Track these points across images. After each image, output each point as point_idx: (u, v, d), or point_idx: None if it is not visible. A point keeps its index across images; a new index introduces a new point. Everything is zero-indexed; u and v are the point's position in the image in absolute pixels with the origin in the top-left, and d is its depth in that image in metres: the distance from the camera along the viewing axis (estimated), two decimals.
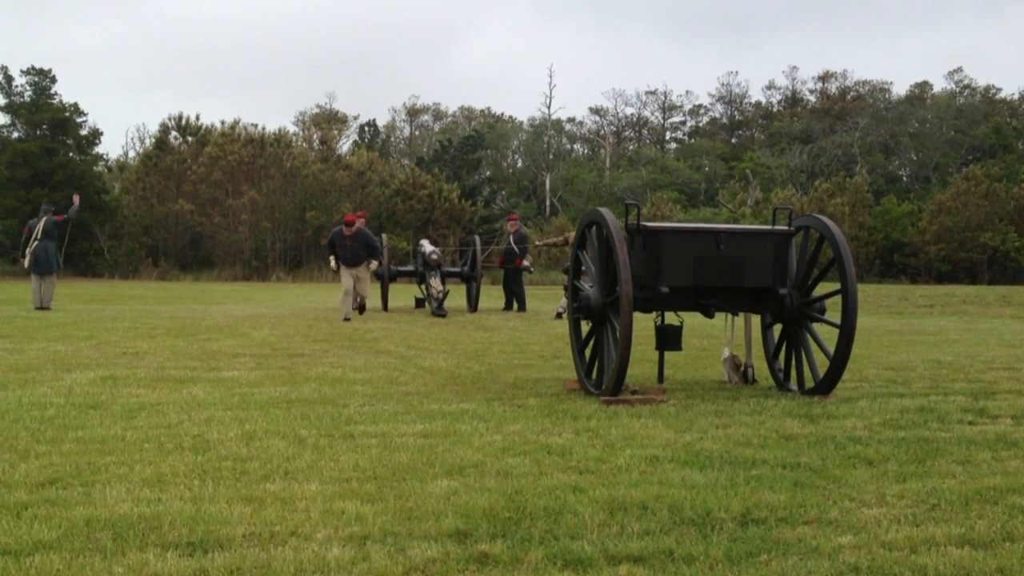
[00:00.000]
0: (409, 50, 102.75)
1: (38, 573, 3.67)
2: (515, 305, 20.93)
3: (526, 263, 21.28)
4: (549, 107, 60.63)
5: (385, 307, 20.30)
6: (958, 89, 65.64)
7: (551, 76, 76.42)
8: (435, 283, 19.23)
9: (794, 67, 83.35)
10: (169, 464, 5.42)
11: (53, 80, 44.99)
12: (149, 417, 6.90)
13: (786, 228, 8.53)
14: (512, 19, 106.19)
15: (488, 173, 59.76)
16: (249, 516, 4.40)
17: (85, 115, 45.94)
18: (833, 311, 8.34)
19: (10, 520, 4.31)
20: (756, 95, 77.09)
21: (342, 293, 17.22)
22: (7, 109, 44.43)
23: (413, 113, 75.78)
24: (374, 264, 17.78)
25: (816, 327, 8.57)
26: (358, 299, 17.58)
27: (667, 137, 76.02)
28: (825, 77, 71.10)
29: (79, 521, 4.28)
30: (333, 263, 17.38)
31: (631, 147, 72.22)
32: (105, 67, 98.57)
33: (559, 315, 17.87)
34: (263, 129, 51.31)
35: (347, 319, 16.65)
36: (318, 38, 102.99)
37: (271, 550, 3.96)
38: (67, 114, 44.81)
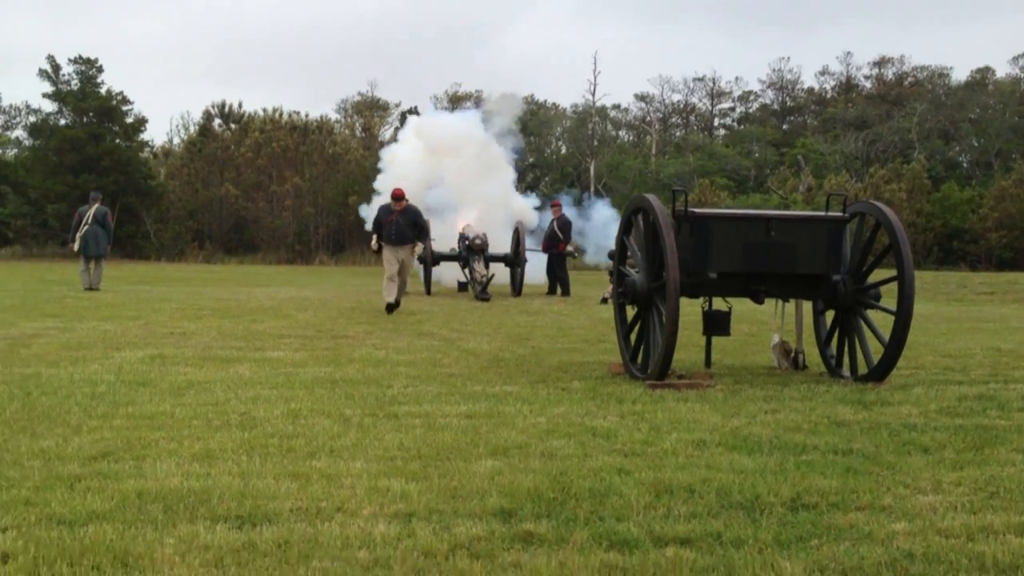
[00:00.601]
0: (452, 37, 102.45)
1: (92, 543, 3.70)
2: (559, 290, 20.92)
3: (570, 248, 21.28)
4: (594, 94, 60.22)
5: (428, 290, 20.34)
6: (1023, 75, 64.21)
7: (595, 62, 75.99)
8: (479, 267, 19.24)
9: (848, 53, 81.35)
10: (217, 440, 5.46)
11: (100, 69, 45.54)
12: (197, 395, 6.96)
13: (840, 214, 8.40)
14: (557, 6, 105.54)
15: (531, 159, 59.56)
16: (296, 492, 4.42)
17: (131, 103, 46.50)
18: (888, 299, 8.20)
19: (64, 491, 4.37)
20: (809, 81, 75.60)
21: (385, 279, 15.33)
22: (55, 97, 45.03)
23: (455, 100, 75.74)
24: (419, 248, 16.26)
25: (871, 314, 8.43)
26: (398, 289, 15.37)
27: (715, 124, 75.23)
28: (881, 63, 69.75)
29: (131, 493, 4.33)
30: (375, 243, 15.63)
31: (678, 134, 71.66)
32: (150, 56, 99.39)
33: (604, 300, 17.80)
34: (306, 116, 51.58)
35: (390, 308, 14.92)
36: (360, 26, 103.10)
37: (318, 525, 3.97)
38: (113, 102, 45.35)
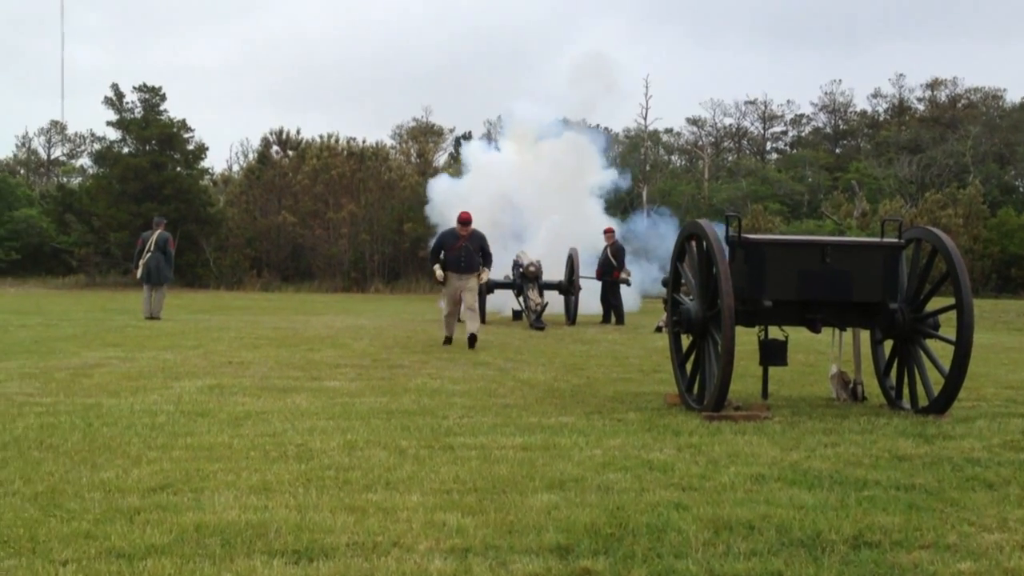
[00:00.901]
0: (505, 63, 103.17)
1: None
2: (613, 318, 20.84)
3: (623, 275, 21.17)
4: (645, 118, 60.14)
5: (482, 319, 20.34)
6: None
7: (647, 87, 75.79)
8: (533, 295, 19.21)
9: (901, 75, 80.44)
10: (274, 472, 5.50)
11: (163, 97, 46.35)
12: (255, 425, 7.03)
13: (896, 240, 8.29)
14: (609, 31, 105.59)
15: None
16: (352, 525, 4.43)
17: (192, 130, 47.24)
18: (947, 327, 8.05)
19: (124, 524, 4.42)
20: (861, 103, 74.76)
21: (444, 312, 14.49)
22: (119, 125, 45.90)
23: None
24: (485, 275, 14.51)
25: (930, 343, 8.28)
26: (469, 322, 14.14)
27: (768, 148, 74.81)
28: (934, 85, 68.98)
29: (189, 526, 4.38)
30: (440, 273, 14.19)
31: (730, 158, 71.28)
32: (211, 84, 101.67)
33: (659, 329, 17.69)
34: (362, 142, 52.14)
35: (448, 341, 14.27)
36: (414, 52, 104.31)
37: (374, 560, 3.98)
38: (175, 130, 46.11)
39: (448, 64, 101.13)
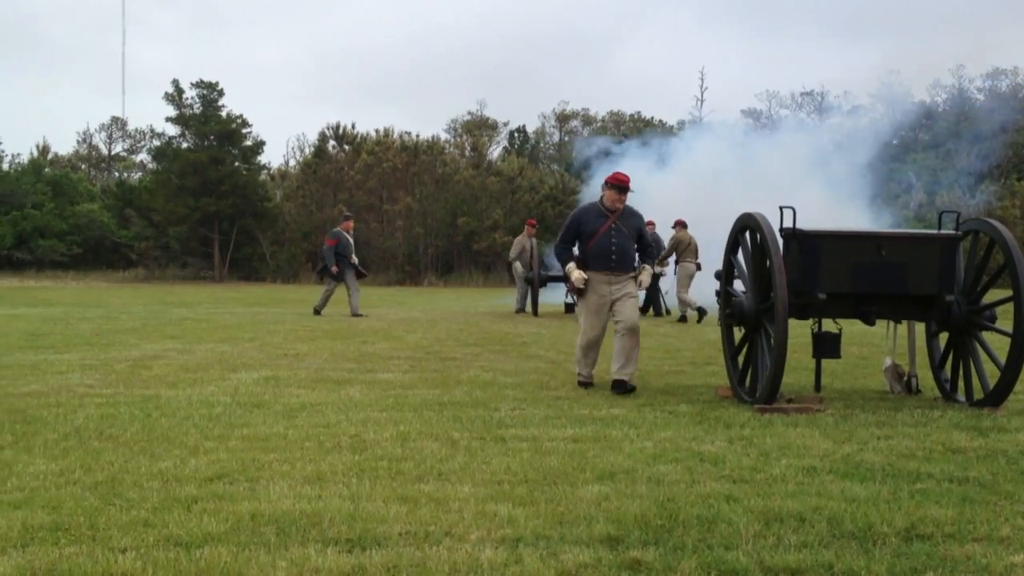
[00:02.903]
0: (560, 56, 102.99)
1: (207, 564, 3.83)
2: (664, 310, 20.78)
3: (658, 269, 20.92)
4: (700, 110, 59.73)
5: (535, 312, 20.40)
6: None
7: (702, 78, 75.17)
8: None
9: (960, 65, 79.09)
10: (328, 462, 5.58)
11: (221, 93, 46.90)
12: (309, 416, 7.13)
13: (953, 232, 8.17)
14: (672, 25, 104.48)
15: None
16: (405, 515, 4.49)
17: (250, 126, 47.76)
18: (1004, 319, 7.93)
19: (181, 513, 4.53)
20: (919, 94, 73.54)
21: (581, 345, 9.11)
22: (178, 120, 46.54)
23: (562, 119, 75.95)
24: (645, 275, 9.25)
25: (986, 336, 8.16)
26: (622, 350, 8.80)
27: (824, 139, 73.86)
28: (995, 75, 67.67)
29: (245, 515, 4.46)
30: (578, 274, 8.97)
31: None
32: (270, 80, 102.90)
33: None
34: (417, 136, 52.40)
35: (586, 383, 9.01)
36: (470, 46, 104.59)
37: (426, 549, 4.03)
38: (233, 125, 46.64)
39: (504, 58, 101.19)
